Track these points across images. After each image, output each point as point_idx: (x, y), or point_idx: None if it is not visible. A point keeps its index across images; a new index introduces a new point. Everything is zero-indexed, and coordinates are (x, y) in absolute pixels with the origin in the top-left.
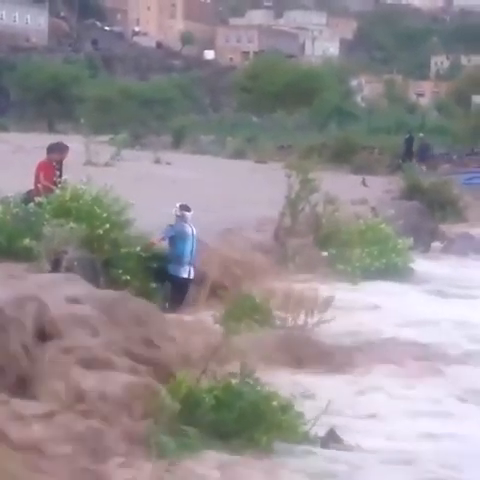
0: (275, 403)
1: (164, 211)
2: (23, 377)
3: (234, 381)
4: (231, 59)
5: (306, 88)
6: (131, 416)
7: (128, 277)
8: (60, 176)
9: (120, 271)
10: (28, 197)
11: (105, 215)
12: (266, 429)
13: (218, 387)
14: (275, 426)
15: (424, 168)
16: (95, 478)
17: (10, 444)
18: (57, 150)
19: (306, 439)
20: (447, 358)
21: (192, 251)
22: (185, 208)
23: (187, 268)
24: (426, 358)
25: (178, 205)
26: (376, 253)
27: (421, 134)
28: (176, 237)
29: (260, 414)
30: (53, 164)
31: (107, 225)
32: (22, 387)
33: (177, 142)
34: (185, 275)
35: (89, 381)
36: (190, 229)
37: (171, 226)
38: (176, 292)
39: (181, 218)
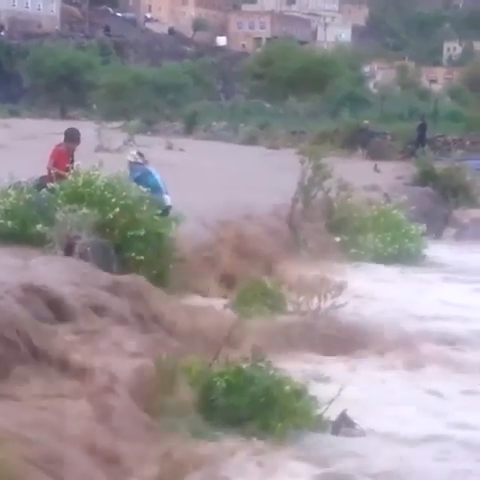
0: (288, 388)
1: (178, 196)
2: (36, 358)
3: (245, 365)
4: (243, 45)
5: (318, 74)
6: (143, 400)
7: (142, 257)
8: (72, 162)
9: (133, 254)
10: (41, 183)
11: (114, 200)
12: (279, 414)
13: (229, 371)
14: (289, 412)
15: (365, 152)
16: (113, 461)
17: None
18: (75, 139)
19: (319, 424)
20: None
21: (163, 182)
22: (142, 154)
23: (167, 197)
24: None
25: (136, 152)
26: (389, 239)
27: (366, 121)
28: (143, 176)
29: (273, 399)
30: (67, 151)
31: (117, 209)
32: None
33: (189, 128)
34: (169, 203)
35: (101, 364)
36: (151, 167)
37: (133, 170)
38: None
39: (142, 162)
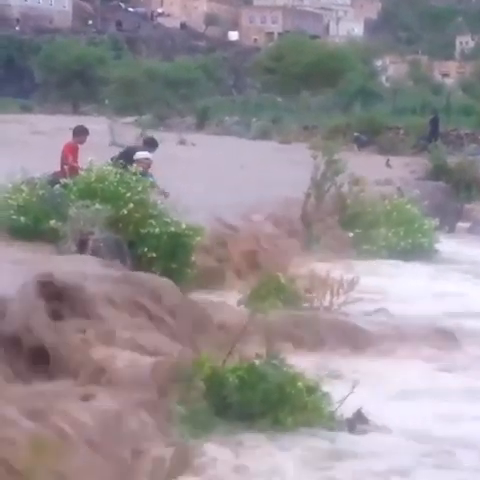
0: (300, 384)
1: (191, 191)
2: (43, 356)
3: (258, 362)
4: (255, 40)
5: (331, 69)
6: (155, 396)
7: (154, 254)
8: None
9: (145, 249)
10: (54, 179)
11: (129, 195)
12: (291, 410)
13: (242, 367)
14: (300, 408)
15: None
16: (124, 462)
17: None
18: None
19: (332, 420)
20: None
21: None
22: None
23: None
24: None
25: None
26: (402, 233)
27: (356, 133)
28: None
29: (286, 396)
30: (78, 146)
31: (131, 205)
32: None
33: (201, 123)
34: None
35: (112, 361)
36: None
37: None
38: None
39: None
